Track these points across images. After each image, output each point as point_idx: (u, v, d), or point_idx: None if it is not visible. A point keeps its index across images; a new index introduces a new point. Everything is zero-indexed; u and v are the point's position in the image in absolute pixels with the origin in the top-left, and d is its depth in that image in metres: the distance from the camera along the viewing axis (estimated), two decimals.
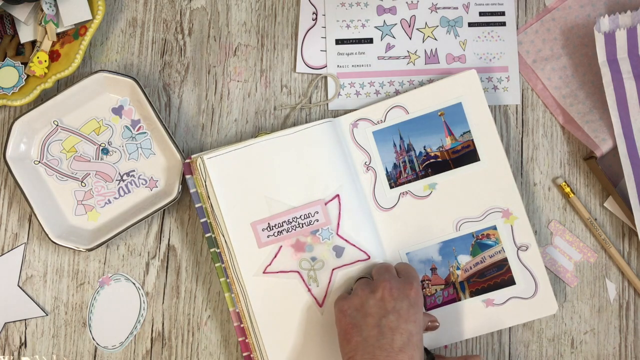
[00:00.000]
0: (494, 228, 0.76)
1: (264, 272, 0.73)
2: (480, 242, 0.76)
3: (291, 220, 0.73)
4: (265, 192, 0.73)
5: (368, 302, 0.66)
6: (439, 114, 0.77)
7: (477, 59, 0.80)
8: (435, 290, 0.76)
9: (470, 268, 0.76)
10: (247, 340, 0.74)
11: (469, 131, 0.77)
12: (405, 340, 0.64)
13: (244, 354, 0.74)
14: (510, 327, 0.77)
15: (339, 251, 0.73)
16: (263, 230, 0.73)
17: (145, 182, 0.77)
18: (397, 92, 0.80)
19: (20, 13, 0.75)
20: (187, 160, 0.74)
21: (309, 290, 0.73)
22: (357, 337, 0.65)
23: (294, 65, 0.80)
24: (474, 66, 0.80)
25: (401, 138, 0.77)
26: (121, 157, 0.77)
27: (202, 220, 0.74)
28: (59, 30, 0.76)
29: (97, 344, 0.77)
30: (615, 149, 0.77)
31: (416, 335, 0.65)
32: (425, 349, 0.72)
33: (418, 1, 0.81)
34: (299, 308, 0.73)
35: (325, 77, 0.80)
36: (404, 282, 0.68)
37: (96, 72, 0.75)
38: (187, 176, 0.74)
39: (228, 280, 0.74)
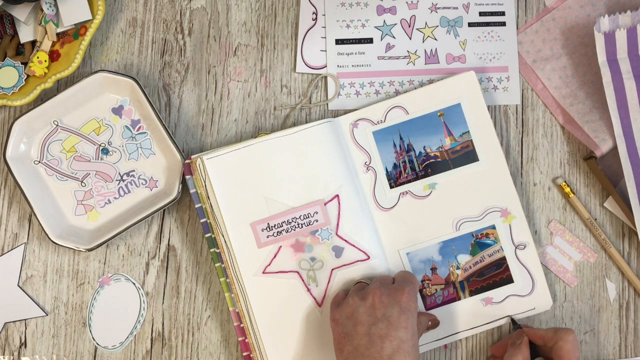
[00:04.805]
0: (493, 227, 0.76)
1: (263, 272, 0.73)
2: (479, 241, 0.76)
3: (291, 221, 0.73)
4: (265, 192, 0.73)
5: (358, 310, 0.66)
6: (439, 114, 0.77)
7: (477, 59, 0.80)
8: (435, 290, 0.76)
9: (470, 267, 0.76)
10: (247, 340, 0.74)
11: (468, 132, 0.77)
12: (395, 348, 0.63)
13: (244, 354, 0.74)
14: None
15: (338, 251, 0.73)
16: (262, 230, 0.73)
17: (145, 182, 0.77)
18: (397, 92, 0.80)
19: (20, 13, 0.75)
20: (187, 161, 0.74)
21: (309, 290, 0.73)
22: (349, 347, 0.65)
23: (294, 65, 0.80)
24: (473, 66, 0.80)
25: (401, 138, 0.77)
26: (121, 157, 0.77)
27: (202, 221, 0.74)
28: (59, 30, 0.76)
29: (97, 344, 0.77)
30: (615, 149, 0.76)
31: (407, 342, 0.64)
32: (513, 320, 0.75)
33: (418, 1, 0.81)
34: (299, 308, 0.73)
35: (325, 77, 0.80)
36: (395, 287, 0.68)
37: (96, 72, 0.75)
38: (187, 176, 0.74)
39: (228, 280, 0.74)
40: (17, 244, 0.78)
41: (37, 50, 0.76)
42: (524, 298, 0.76)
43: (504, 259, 0.76)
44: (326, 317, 0.73)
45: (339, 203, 0.74)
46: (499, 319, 0.76)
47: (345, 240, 0.74)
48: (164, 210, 0.78)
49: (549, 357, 0.70)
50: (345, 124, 0.77)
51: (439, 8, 0.81)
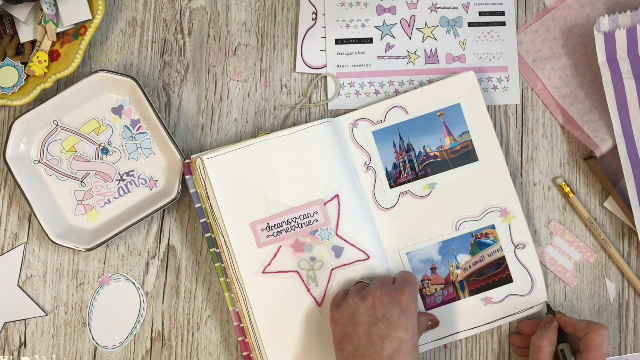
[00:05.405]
0: (493, 227, 0.76)
1: (263, 272, 0.73)
2: (479, 241, 0.76)
3: (291, 221, 0.73)
4: (265, 192, 0.73)
5: (359, 311, 0.66)
6: (438, 114, 0.77)
7: (477, 59, 0.80)
8: (436, 290, 0.77)
9: (470, 267, 0.76)
10: (247, 340, 0.74)
11: (468, 132, 0.77)
12: (395, 348, 0.63)
13: (244, 354, 0.74)
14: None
15: (338, 251, 0.73)
16: (262, 230, 0.73)
17: (145, 182, 0.77)
18: (397, 92, 0.80)
19: (20, 13, 0.75)
20: (187, 161, 0.74)
21: (309, 290, 0.73)
22: (349, 347, 0.65)
23: (294, 65, 0.80)
24: (474, 66, 0.80)
25: (401, 138, 0.77)
26: (121, 157, 0.77)
27: (202, 221, 0.74)
28: (59, 30, 0.76)
29: (97, 344, 0.77)
30: (615, 149, 0.76)
31: (408, 343, 0.64)
32: (548, 305, 0.76)
33: (418, 1, 0.81)
34: (299, 308, 0.73)
35: (325, 77, 0.80)
36: (396, 288, 0.68)
37: (96, 72, 0.75)
38: (187, 176, 0.74)
39: (228, 280, 0.74)
40: (17, 244, 0.78)
41: (37, 50, 0.76)
42: (523, 298, 0.76)
43: (503, 258, 0.76)
44: (326, 317, 0.73)
45: (339, 203, 0.74)
46: (499, 319, 0.76)
47: (345, 240, 0.74)
48: (164, 210, 0.78)
49: (576, 347, 0.71)
50: (345, 124, 0.77)
51: (439, 8, 0.81)
